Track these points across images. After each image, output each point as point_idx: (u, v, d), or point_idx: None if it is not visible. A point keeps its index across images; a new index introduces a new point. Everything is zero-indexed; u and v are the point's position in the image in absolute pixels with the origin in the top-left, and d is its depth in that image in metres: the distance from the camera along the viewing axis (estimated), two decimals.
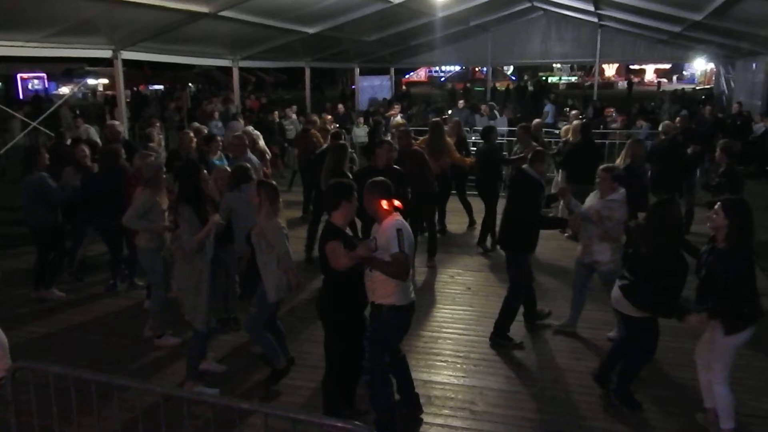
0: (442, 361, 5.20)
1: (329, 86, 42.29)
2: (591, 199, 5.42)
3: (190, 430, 3.10)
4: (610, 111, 16.81)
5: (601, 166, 5.45)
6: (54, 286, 6.76)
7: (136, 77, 31.11)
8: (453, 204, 8.98)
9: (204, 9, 9.30)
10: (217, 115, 13.88)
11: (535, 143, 7.76)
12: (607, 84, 43.66)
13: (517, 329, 5.63)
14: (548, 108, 16.54)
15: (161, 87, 35.38)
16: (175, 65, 24.76)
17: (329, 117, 12.58)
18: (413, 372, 4.43)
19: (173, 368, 5.08)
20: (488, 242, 8.17)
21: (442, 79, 48.72)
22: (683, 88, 30.70)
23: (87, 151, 7.02)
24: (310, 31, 12.86)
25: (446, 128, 8.70)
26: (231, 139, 7.70)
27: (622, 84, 43.37)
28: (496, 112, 14.58)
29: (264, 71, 34.76)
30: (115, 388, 3.19)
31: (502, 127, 12.79)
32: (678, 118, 10.40)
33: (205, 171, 5.29)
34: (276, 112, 14.66)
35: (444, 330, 5.82)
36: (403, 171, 6.41)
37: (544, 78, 43.11)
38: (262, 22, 11.01)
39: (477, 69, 41.12)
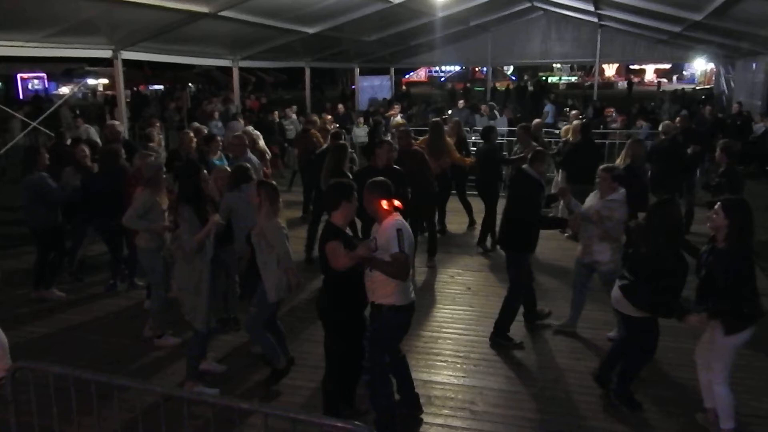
0: (442, 361, 5.20)
1: (329, 86, 42.27)
2: (591, 199, 5.42)
3: (190, 430, 3.10)
4: (610, 111, 16.81)
5: (601, 166, 5.45)
6: (54, 286, 6.76)
7: (136, 77, 31.11)
8: (453, 204, 8.98)
9: (204, 9, 9.30)
10: (217, 115, 13.88)
11: (535, 143, 7.76)
12: (607, 84, 43.65)
13: (517, 329, 5.63)
14: (548, 108, 16.54)
15: (161, 87, 35.38)
16: (175, 65, 24.75)
17: (329, 117, 12.58)
18: (413, 372, 4.43)
19: (173, 368, 5.08)
20: (488, 242, 8.17)
21: (442, 79, 48.71)
22: (683, 88, 30.69)
23: (87, 151, 7.02)
24: (310, 31, 12.86)
25: (446, 128, 8.70)
26: (231, 139, 7.69)
27: (622, 84, 43.35)
28: (496, 112, 14.57)
29: (264, 71, 34.76)
30: (115, 388, 3.19)
31: (502, 127, 12.79)
32: (678, 118, 10.40)
33: (205, 171, 5.29)
34: (276, 112, 14.66)
35: (444, 330, 5.82)
36: (403, 171, 6.41)
37: (544, 78, 43.10)
38: (262, 22, 11.01)
39: (477, 69, 41.12)
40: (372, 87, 23.86)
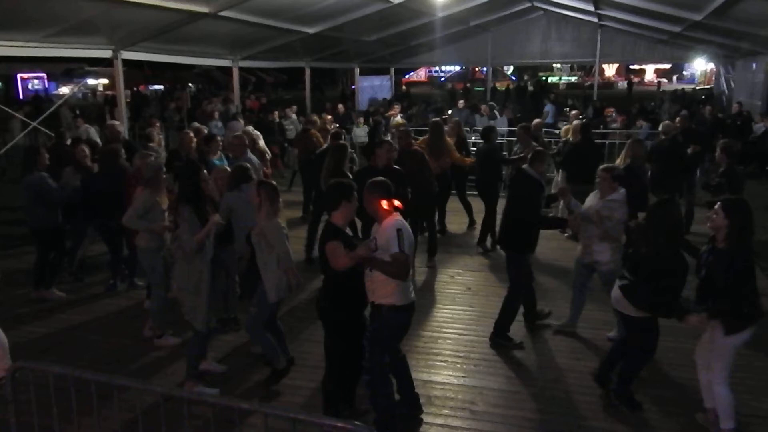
0: (442, 361, 5.19)
1: (329, 86, 42.30)
2: (591, 199, 5.42)
3: (190, 430, 3.10)
4: (610, 111, 16.80)
5: (601, 166, 5.45)
6: (54, 286, 6.75)
7: (136, 77, 31.16)
8: (453, 204, 8.97)
9: (204, 9, 9.31)
10: (217, 115, 13.89)
11: (535, 143, 7.76)
12: (607, 84, 43.62)
13: (517, 329, 5.63)
14: (548, 108, 16.54)
15: (161, 87, 35.41)
16: (175, 65, 24.77)
17: (329, 117, 12.58)
18: (413, 372, 4.42)
19: (173, 368, 5.08)
20: (488, 242, 8.16)
21: (442, 79, 48.70)
22: (683, 88, 30.69)
23: (87, 151, 7.02)
24: (310, 31, 12.86)
25: (446, 128, 8.70)
26: (231, 139, 7.69)
27: (622, 84, 43.33)
28: (496, 112, 14.56)
29: (264, 71, 34.81)
30: (115, 388, 3.18)
31: (502, 127, 12.79)
32: (678, 118, 10.38)
33: (205, 171, 5.29)
34: (276, 112, 14.66)
35: (444, 330, 5.82)
36: (403, 171, 6.40)
37: (544, 78, 43.10)
38: (262, 22, 11.02)
39: (477, 69, 41.11)
40: (372, 87, 23.88)
